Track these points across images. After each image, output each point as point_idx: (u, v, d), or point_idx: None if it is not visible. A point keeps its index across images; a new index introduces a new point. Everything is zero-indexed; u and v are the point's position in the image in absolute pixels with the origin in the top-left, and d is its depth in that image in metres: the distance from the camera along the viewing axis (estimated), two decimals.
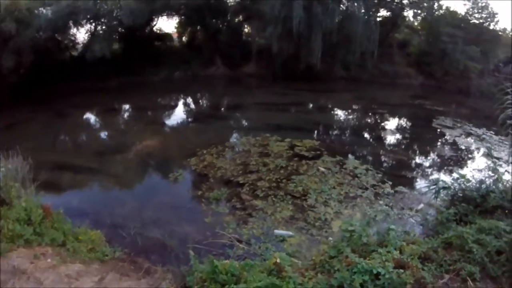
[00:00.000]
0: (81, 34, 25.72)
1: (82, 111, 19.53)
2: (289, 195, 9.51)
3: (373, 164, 12.17)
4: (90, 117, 19.64)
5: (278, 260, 4.47)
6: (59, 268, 4.74)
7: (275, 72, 29.04)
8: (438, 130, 17.59)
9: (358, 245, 4.85)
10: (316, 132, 17.21)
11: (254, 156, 12.37)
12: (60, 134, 15.82)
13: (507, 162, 9.37)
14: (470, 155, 14.50)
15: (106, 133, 16.87)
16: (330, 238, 7.25)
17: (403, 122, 20.65)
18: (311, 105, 23.08)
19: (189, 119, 19.66)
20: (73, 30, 24.59)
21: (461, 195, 6.61)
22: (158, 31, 32.33)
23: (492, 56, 30.46)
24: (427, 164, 13.60)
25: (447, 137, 16.59)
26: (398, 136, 17.38)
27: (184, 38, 35.16)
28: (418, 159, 14.14)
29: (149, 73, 27.65)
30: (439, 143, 16.14)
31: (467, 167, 12.86)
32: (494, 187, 6.39)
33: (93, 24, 25.31)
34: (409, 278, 4.13)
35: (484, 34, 29.94)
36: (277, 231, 7.74)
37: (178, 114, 20.23)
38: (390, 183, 10.43)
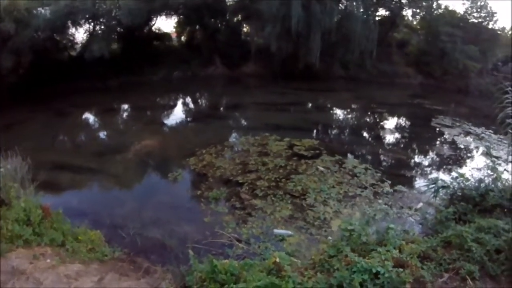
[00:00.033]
0: (80, 34, 25.77)
1: (81, 111, 19.52)
2: (288, 195, 9.51)
3: (372, 163, 12.19)
4: (89, 117, 19.63)
5: (277, 260, 4.47)
6: (59, 268, 4.74)
7: (274, 71, 29.06)
8: (437, 129, 17.61)
9: (358, 244, 4.85)
10: (315, 131, 17.24)
11: (253, 155, 12.37)
12: (59, 134, 15.80)
13: (506, 161, 9.37)
14: (469, 154, 14.52)
15: (105, 133, 16.84)
16: (330, 237, 7.25)
17: (402, 121, 20.66)
18: (310, 105, 23.10)
19: (188, 119, 19.65)
20: (72, 30, 24.63)
21: (460, 194, 6.62)
22: (156, 31, 32.32)
23: (491, 55, 30.52)
24: (426, 163, 13.62)
25: (446, 136, 16.61)
26: (397, 135, 17.39)
27: (183, 38, 35.12)
28: (417, 158, 14.16)
29: (148, 73, 27.62)
30: (438, 142, 16.14)
31: (466, 166, 12.88)
32: (493, 186, 6.40)
33: (92, 24, 25.31)
34: (408, 277, 4.13)
35: (483, 34, 29.99)
36: (276, 231, 7.74)
37: (177, 114, 20.20)
38: (389, 182, 10.44)
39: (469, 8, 31.21)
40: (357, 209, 8.85)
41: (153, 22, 30.58)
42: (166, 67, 29.10)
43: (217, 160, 11.87)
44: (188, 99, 25.57)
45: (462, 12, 31.71)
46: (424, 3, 32.01)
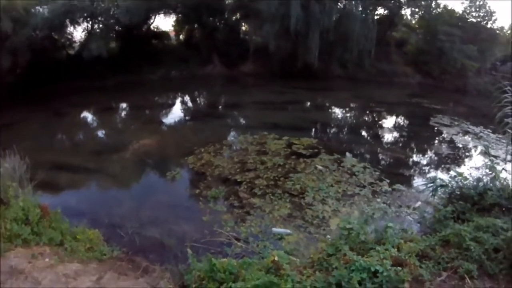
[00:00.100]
0: (78, 33, 25.72)
1: (79, 110, 19.49)
2: (287, 193, 9.51)
3: (371, 162, 12.19)
4: (87, 116, 19.60)
5: (276, 258, 4.47)
6: (57, 268, 4.74)
7: (272, 70, 29.07)
8: (436, 128, 17.64)
9: (356, 243, 4.86)
10: (313, 130, 17.26)
11: (251, 154, 12.36)
12: (57, 134, 15.77)
13: (504, 160, 9.38)
14: (467, 153, 14.54)
15: (104, 132, 16.82)
16: (328, 236, 7.25)
17: (401, 120, 20.67)
18: (308, 104, 23.12)
19: (187, 118, 19.63)
20: (70, 29, 24.61)
21: (458, 193, 6.63)
22: (155, 30, 32.29)
23: (489, 55, 30.54)
24: (424, 162, 13.63)
25: (445, 135, 16.63)
26: (395, 134, 17.40)
27: (181, 37, 35.11)
28: (415, 157, 14.16)
29: (146, 72, 27.60)
30: (436, 141, 16.16)
31: (464, 165, 12.89)
32: (491, 185, 6.41)
33: (90, 22, 25.28)
34: (407, 276, 4.14)
35: (482, 33, 30.02)
36: (275, 229, 7.74)
37: (176, 113, 20.20)
38: (388, 181, 10.44)
39: (468, 8, 31.27)
40: (355, 208, 8.85)
41: (151, 21, 30.54)
42: (164, 66, 29.08)
43: (215, 159, 11.86)
44: (187, 98, 25.57)
45: (460, 12, 31.82)
46: (423, 2, 32.06)
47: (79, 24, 24.65)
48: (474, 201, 6.22)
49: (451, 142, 15.54)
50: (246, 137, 14.15)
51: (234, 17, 33.69)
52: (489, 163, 7.21)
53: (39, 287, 4.33)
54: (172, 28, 35.17)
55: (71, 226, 6.17)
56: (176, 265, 4.98)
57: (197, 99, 26.41)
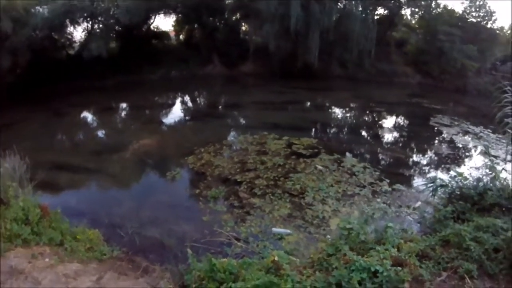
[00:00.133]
0: (78, 33, 25.72)
1: (79, 110, 19.49)
2: (287, 193, 9.51)
3: (371, 162, 12.19)
4: (87, 116, 19.60)
5: (276, 258, 4.47)
6: (57, 268, 4.74)
7: (272, 70, 29.07)
8: (436, 128, 17.64)
9: (356, 243, 4.86)
10: (313, 130, 17.27)
11: (251, 154, 12.36)
12: (57, 134, 15.77)
13: (504, 160, 9.38)
14: (467, 153, 14.54)
15: (103, 132, 16.82)
16: (328, 236, 7.25)
17: (401, 120, 20.67)
18: (308, 104, 23.12)
19: (187, 118, 19.63)
20: (70, 29, 24.60)
21: (458, 193, 6.63)
22: (155, 30, 32.27)
23: (489, 55, 30.54)
24: (424, 162, 13.63)
25: (445, 135, 16.63)
26: (395, 134, 17.40)
27: (181, 37, 35.09)
28: (415, 157, 14.16)
29: (146, 72, 27.59)
30: (436, 141, 16.16)
31: (464, 165, 12.89)
32: (491, 185, 6.41)
33: (90, 22, 25.27)
34: (407, 276, 4.14)
35: (482, 33, 30.01)
36: (275, 229, 7.75)
37: (176, 113, 20.20)
38: (388, 181, 10.44)
39: (468, 8, 31.26)
40: (355, 208, 8.85)
41: (151, 21, 30.53)
42: (164, 66, 29.07)
43: (215, 159, 11.86)
44: (187, 98, 25.58)
45: (460, 12, 31.82)
46: (423, 2, 32.06)
47: (79, 24, 24.68)
48: (474, 201, 6.22)
49: (451, 142, 15.55)
50: (246, 137, 14.15)
51: (234, 17, 33.69)
52: (489, 163, 7.21)
53: (39, 287, 4.33)
54: (172, 28, 35.17)
55: (71, 226, 6.17)
56: (176, 265, 4.98)
57: (197, 99, 26.41)
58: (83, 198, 9.58)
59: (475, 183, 6.59)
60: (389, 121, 20.02)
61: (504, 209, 5.90)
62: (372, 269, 4.13)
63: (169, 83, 28.47)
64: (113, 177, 10.98)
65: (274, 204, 8.93)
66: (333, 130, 18.22)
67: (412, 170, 12.59)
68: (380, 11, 33.68)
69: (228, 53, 30.98)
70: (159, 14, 30.03)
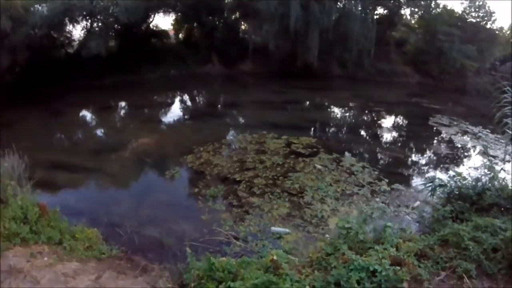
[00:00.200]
0: (77, 31, 25.60)
1: (78, 109, 19.43)
2: (286, 192, 9.52)
3: (370, 161, 12.20)
4: (86, 115, 19.54)
5: (275, 257, 4.47)
6: (56, 267, 4.74)
7: (271, 70, 29.06)
8: (435, 128, 17.66)
9: (355, 242, 4.87)
10: (312, 129, 17.26)
11: (250, 153, 12.36)
12: (56, 133, 15.73)
13: (503, 160, 9.39)
14: (466, 153, 14.56)
15: (102, 131, 16.79)
16: (327, 235, 7.27)
17: (400, 120, 20.67)
18: (307, 103, 23.10)
19: (186, 117, 19.61)
20: (69, 27, 24.44)
21: (457, 192, 6.65)
22: (154, 28, 32.16)
23: (488, 55, 30.55)
24: (423, 162, 13.66)
25: (444, 135, 16.65)
26: (394, 134, 17.43)
27: (180, 35, 35.03)
28: (414, 157, 14.20)
29: (145, 71, 27.50)
30: (435, 141, 16.18)
31: (463, 165, 12.91)
32: (490, 185, 6.44)
33: (89, 21, 25.17)
34: (405, 275, 4.15)
35: (481, 33, 30.03)
36: (274, 228, 7.75)
37: (175, 112, 20.18)
38: (387, 180, 10.46)
39: (468, 8, 31.29)
40: (354, 207, 8.87)
41: (150, 20, 30.43)
42: (163, 65, 28.98)
43: (214, 158, 11.86)
44: (186, 97, 25.53)
45: (460, 12, 31.84)
46: (422, 2, 32.06)
47: (78, 23, 24.54)
48: (472, 201, 6.23)
49: (450, 142, 15.57)
50: (245, 136, 14.14)
51: (233, 16, 33.62)
52: (487, 163, 7.24)
53: (38, 286, 4.33)
54: (171, 27, 35.07)
55: (70, 225, 6.17)
56: (175, 264, 4.99)
57: (196, 98, 26.39)
58: (82, 197, 9.56)
59: (473, 183, 6.61)
60: (388, 121, 20.03)
61: (502, 209, 5.92)
62: (371, 269, 4.14)
63: (168, 82, 28.41)
64: (112, 176, 10.97)
65: (273, 203, 8.94)
66: (332, 129, 18.23)
67: (411, 170, 12.62)
68: (380, 10, 33.73)
69: (227, 52, 30.91)
70: (158, 13, 29.92)
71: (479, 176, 6.93)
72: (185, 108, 22.13)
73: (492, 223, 5.08)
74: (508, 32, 33.79)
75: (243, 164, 11.42)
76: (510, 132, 7.35)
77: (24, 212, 5.54)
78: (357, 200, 9.29)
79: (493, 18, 30.97)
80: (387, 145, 15.45)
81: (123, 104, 21.95)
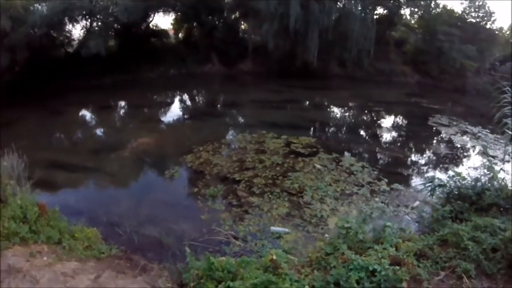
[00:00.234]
0: (77, 31, 25.58)
1: (77, 108, 19.41)
2: (285, 192, 9.52)
3: (369, 161, 12.21)
4: (86, 114, 19.52)
5: (274, 257, 4.48)
6: (55, 266, 4.73)
7: (271, 69, 29.06)
8: (434, 128, 17.65)
9: (354, 242, 4.87)
10: (312, 129, 17.25)
11: (250, 153, 12.36)
12: (55, 132, 15.72)
13: (502, 160, 9.40)
14: (465, 153, 14.56)
15: (102, 130, 16.79)
16: (326, 235, 7.27)
17: (399, 120, 20.67)
18: (307, 103, 23.10)
19: (185, 116, 19.60)
20: (69, 27, 24.40)
21: (456, 192, 6.66)
22: (154, 28, 32.12)
23: (488, 55, 30.57)
24: (422, 161, 13.67)
25: (443, 135, 16.66)
26: (394, 133, 17.43)
27: (180, 35, 35.01)
28: (414, 157, 14.20)
29: (144, 70, 27.49)
30: (435, 141, 16.19)
31: (462, 165, 12.92)
32: (489, 185, 6.44)
33: (89, 20, 25.14)
34: (404, 275, 4.15)
35: (481, 33, 30.03)
36: (273, 228, 7.75)
37: (174, 111, 20.16)
38: (386, 180, 10.46)
39: (467, 8, 31.29)
40: (354, 207, 8.87)
41: (150, 19, 30.39)
42: (163, 64, 28.97)
43: (214, 158, 11.85)
44: (185, 97, 25.52)
45: (460, 12, 31.83)
46: (422, 2, 32.01)
47: (77, 22, 24.50)
48: (472, 201, 6.24)
49: (449, 142, 15.57)
50: (245, 136, 14.14)
51: (233, 16, 33.61)
52: (487, 163, 7.24)
53: (37, 286, 4.32)
54: (171, 27, 35.05)
55: (69, 225, 6.17)
56: (174, 263, 4.99)
57: (196, 97, 26.39)
58: (81, 197, 9.55)
59: (473, 183, 6.62)
60: (387, 121, 20.03)
61: (502, 209, 5.93)
62: (370, 268, 4.14)
63: (168, 81, 28.40)
64: (111, 175, 10.96)
65: (273, 203, 8.94)
66: (332, 129, 18.22)
67: (410, 170, 12.63)
68: (380, 10, 33.65)
69: (227, 51, 30.90)
70: (158, 12, 29.88)
71: (479, 176, 6.94)
72: (184, 108, 22.13)
73: (492, 223, 5.08)
74: (507, 32, 33.81)
75: (242, 163, 11.42)
76: (510, 132, 7.35)
77: (24, 212, 5.54)
78: (356, 200, 9.29)
79: (492, 18, 31.03)
80: (387, 145, 15.46)
81: (122, 103, 21.94)
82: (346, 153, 12.80)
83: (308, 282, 4.22)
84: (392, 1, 32.38)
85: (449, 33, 28.75)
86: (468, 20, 31.03)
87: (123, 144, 13.40)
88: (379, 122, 19.61)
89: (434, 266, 4.59)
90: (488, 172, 6.91)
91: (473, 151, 14.61)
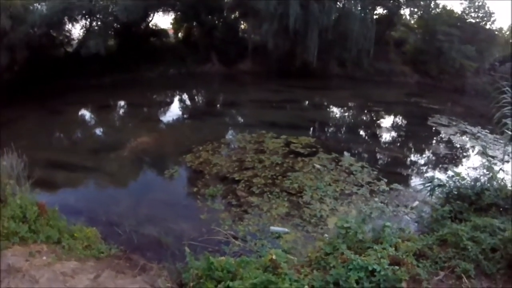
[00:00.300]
0: (76, 30, 25.55)
1: (76, 108, 19.38)
2: (285, 192, 9.52)
3: (369, 161, 12.21)
4: (85, 114, 19.51)
5: (274, 257, 4.48)
6: (55, 266, 4.73)
7: (270, 69, 29.06)
8: (434, 128, 17.65)
9: (354, 242, 4.87)
10: (311, 129, 17.25)
11: (249, 152, 12.35)
12: (55, 132, 15.71)
13: (501, 160, 9.42)
14: (465, 153, 14.57)
15: (101, 130, 16.79)
16: (326, 235, 7.27)
17: (399, 120, 20.67)
18: (306, 102, 23.09)
19: (185, 116, 19.60)
20: (68, 26, 24.37)
21: (456, 192, 6.67)
22: (153, 27, 32.09)
23: (488, 55, 30.54)
24: (422, 161, 13.67)
25: (442, 135, 16.66)
26: (393, 133, 17.43)
27: (180, 35, 35.00)
28: (413, 157, 14.20)
29: (144, 70, 27.46)
30: (434, 141, 16.18)
31: (462, 165, 12.92)
32: (488, 185, 6.45)
33: (88, 20, 25.11)
34: (404, 275, 4.15)
35: (480, 33, 30.02)
36: (272, 228, 7.76)
37: (174, 111, 20.15)
38: (386, 180, 10.47)
39: (467, 8, 31.27)
40: (353, 207, 8.88)
41: (150, 19, 30.37)
42: (162, 64, 28.94)
43: (213, 157, 11.85)
44: (185, 96, 25.51)
45: (459, 12, 31.79)
46: (422, 2, 32.01)
47: (77, 22, 24.46)
48: (471, 201, 6.25)
49: (449, 142, 15.58)
50: (244, 135, 14.13)
51: (232, 16, 33.58)
52: (486, 163, 7.25)
53: (37, 286, 4.32)
54: (171, 26, 35.02)
55: (68, 224, 6.17)
56: (173, 263, 4.99)
57: (195, 97, 26.38)
58: (80, 196, 9.54)
59: (472, 183, 6.63)
60: (387, 121, 20.02)
61: (501, 209, 5.93)
62: (370, 268, 4.14)
63: (167, 81, 28.37)
64: (110, 175, 10.96)
65: (272, 203, 8.94)
66: (331, 129, 18.22)
67: (410, 170, 12.63)
68: (379, 10, 33.61)
69: (227, 51, 30.87)
70: (157, 12, 29.86)
71: (478, 176, 6.96)
72: (184, 107, 22.13)
73: (491, 223, 5.09)
74: (507, 33, 33.78)
75: (242, 163, 11.42)
76: (509, 132, 7.36)
77: (23, 211, 5.53)
78: (356, 199, 9.30)
79: (492, 19, 31.00)
80: (386, 145, 15.47)
81: (122, 103, 21.93)
82: (345, 153, 12.80)
83: (307, 282, 4.22)
84: (392, 1, 32.38)
85: (449, 33, 28.74)
86: (467, 20, 31.02)
87: (122, 143, 13.39)
88: (378, 122, 19.61)
89: (433, 266, 4.60)
90: (487, 172, 6.93)
91: (473, 151, 14.62)
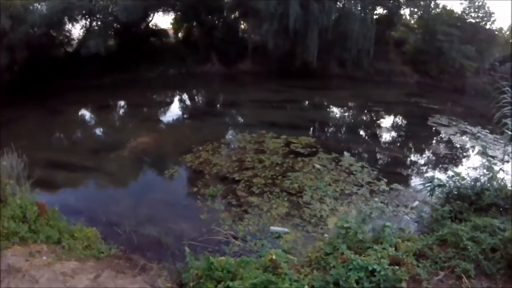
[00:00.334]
0: (76, 30, 25.55)
1: (76, 108, 19.38)
2: (285, 192, 9.52)
3: (369, 161, 12.21)
4: (85, 114, 19.50)
5: (274, 257, 4.48)
6: (55, 266, 4.73)
7: (270, 69, 29.06)
8: (434, 128, 17.65)
9: (354, 242, 4.87)
10: (311, 129, 17.24)
11: (249, 152, 12.35)
12: (55, 132, 15.70)
13: (501, 160, 9.42)
14: (465, 153, 14.57)
15: (101, 130, 16.79)
16: (326, 235, 7.27)
17: (399, 120, 20.67)
18: (306, 102, 23.09)
19: (185, 116, 19.60)
20: (68, 26, 24.38)
21: (456, 193, 6.67)
22: (153, 27, 32.09)
23: (488, 55, 30.53)
24: (422, 161, 13.67)
25: (442, 135, 16.66)
26: (393, 133, 17.43)
27: (180, 35, 35.00)
28: (413, 157, 14.20)
29: (144, 70, 27.46)
30: (434, 141, 16.18)
31: (462, 165, 12.92)
32: (488, 185, 6.45)
33: (88, 20, 25.11)
34: (404, 275, 4.15)
35: (480, 33, 30.01)
36: (272, 228, 7.76)
37: (174, 111, 20.15)
38: (386, 180, 10.47)
39: (467, 8, 31.27)
40: (353, 207, 8.88)
41: (150, 19, 30.36)
42: (162, 64, 28.94)
43: (213, 157, 11.85)
44: (185, 96, 25.50)
45: (459, 12, 31.79)
46: (422, 2, 32.00)
47: (77, 22, 24.47)
48: (471, 201, 6.25)
49: (449, 142, 15.58)
50: (244, 135, 14.13)
51: (232, 16, 33.57)
52: (486, 163, 7.25)
53: (37, 286, 4.32)
54: (171, 26, 35.02)
55: (68, 224, 6.17)
56: (173, 263, 4.99)
57: (195, 97, 26.37)
58: (80, 196, 9.54)
59: (472, 183, 6.63)
60: (387, 121, 20.02)
61: (501, 209, 5.93)
62: (370, 268, 4.14)
63: (167, 81, 28.37)
64: (110, 175, 10.96)
65: (272, 203, 8.94)
66: (331, 129, 18.21)
67: (410, 170, 12.63)
68: (379, 10, 33.61)
69: (227, 51, 30.86)
70: (157, 12, 29.87)
71: (478, 176, 6.96)
72: (184, 107, 22.13)
73: (491, 223, 5.09)
74: (507, 33, 33.79)
75: (242, 163, 11.42)
76: (509, 132, 7.36)
77: (23, 211, 5.53)
78: (356, 199, 9.30)
79: (492, 19, 31.00)
80: (386, 145, 15.47)
81: (122, 103, 21.92)
82: (345, 153, 12.80)
83: (307, 282, 4.22)
84: (392, 1, 32.37)
85: (449, 33, 28.74)
86: (467, 21, 31.02)
87: (122, 143, 13.39)
88: (378, 122, 19.61)
89: (433, 266, 4.60)
90: (487, 172, 6.93)
91: (473, 151, 14.62)
